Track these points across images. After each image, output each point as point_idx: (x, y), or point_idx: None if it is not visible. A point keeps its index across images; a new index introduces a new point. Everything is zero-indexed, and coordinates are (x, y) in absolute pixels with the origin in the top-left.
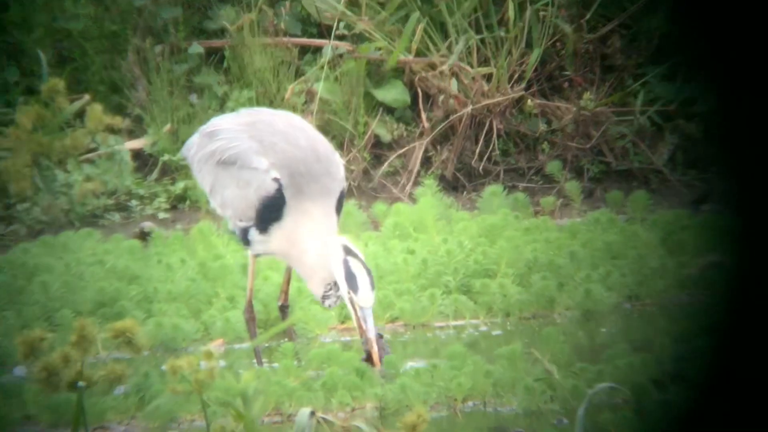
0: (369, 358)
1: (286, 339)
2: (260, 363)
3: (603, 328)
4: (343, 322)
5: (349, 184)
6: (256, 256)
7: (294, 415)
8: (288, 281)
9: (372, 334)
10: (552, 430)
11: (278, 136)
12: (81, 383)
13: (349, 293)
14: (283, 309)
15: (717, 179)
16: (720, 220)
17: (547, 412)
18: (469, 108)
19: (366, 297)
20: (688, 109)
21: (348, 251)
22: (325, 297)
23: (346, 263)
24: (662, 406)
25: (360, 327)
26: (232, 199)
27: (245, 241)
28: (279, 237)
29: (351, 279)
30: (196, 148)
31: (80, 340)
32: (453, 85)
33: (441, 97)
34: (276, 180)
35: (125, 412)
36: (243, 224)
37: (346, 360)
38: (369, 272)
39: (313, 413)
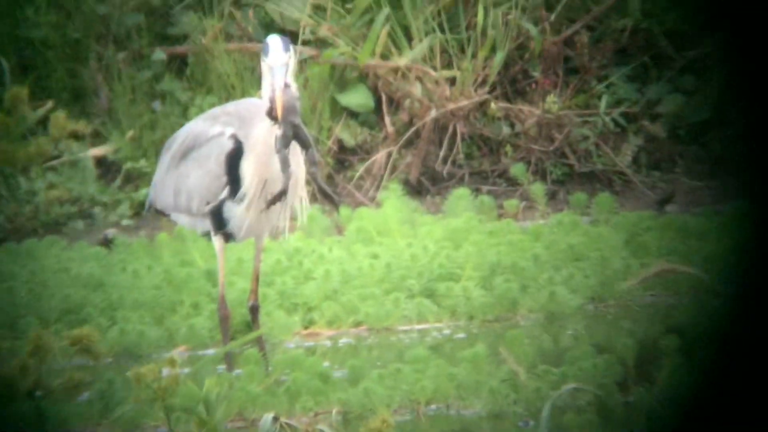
0: (271, 112)
1: (251, 345)
2: (231, 368)
3: (566, 330)
4: (306, 328)
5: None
6: (228, 241)
7: (258, 420)
8: (256, 279)
9: (279, 90)
10: (517, 431)
11: (224, 108)
12: (38, 393)
13: (262, 60)
14: (254, 309)
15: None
16: (683, 220)
17: (511, 415)
18: (434, 112)
19: (275, 57)
20: (651, 110)
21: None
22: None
23: (263, 45)
24: (625, 408)
25: (271, 87)
26: (197, 182)
27: (218, 223)
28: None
29: (264, 47)
30: (156, 175)
31: (37, 350)
32: (417, 89)
33: (406, 102)
34: (233, 136)
35: (89, 418)
36: (211, 205)
37: (310, 365)
38: (284, 39)
39: (276, 418)
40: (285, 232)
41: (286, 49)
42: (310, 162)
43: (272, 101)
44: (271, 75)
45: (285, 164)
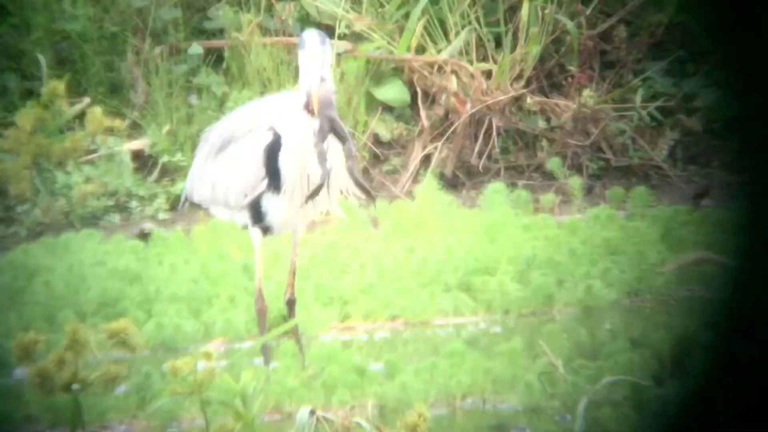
0: (308, 106)
1: (288, 338)
2: (267, 361)
3: (603, 324)
4: (342, 321)
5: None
6: (266, 233)
7: (294, 414)
8: (293, 272)
9: (315, 83)
10: (553, 426)
11: (261, 101)
12: (75, 385)
13: (299, 53)
14: (291, 303)
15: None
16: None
17: (548, 409)
18: (469, 107)
19: (312, 50)
20: (688, 104)
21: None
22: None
23: (299, 38)
24: (661, 402)
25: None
26: (235, 175)
27: (256, 216)
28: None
29: (301, 41)
30: (193, 168)
31: (73, 343)
32: (453, 83)
33: (442, 96)
34: (271, 128)
35: (126, 411)
36: (251, 197)
37: (346, 358)
38: (320, 33)
39: (313, 412)
40: (340, 212)
41: (323, 43)
42: (347, 155)
43: (309, 95)
44: (307, 69)
45: (322, 158)
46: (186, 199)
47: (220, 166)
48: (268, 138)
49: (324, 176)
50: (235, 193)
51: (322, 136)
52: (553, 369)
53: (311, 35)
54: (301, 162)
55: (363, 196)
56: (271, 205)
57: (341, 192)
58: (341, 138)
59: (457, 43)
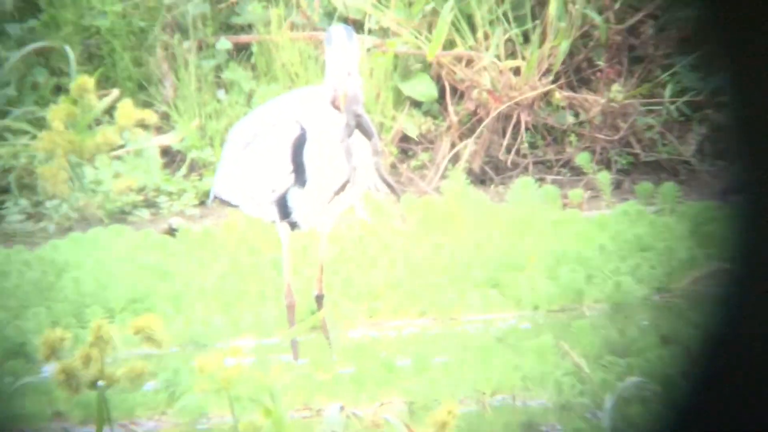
0: (335, 101)
1: (316, 334)
2: (296, 356)
3: (632, 320)
4: (371, 317)
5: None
6: (293, 228)
7: (323, 410)
8: (321, 268)
9: (342, 79)
10: (583, 423)
11: (288, 95)
12: (101, 382)
13: (326, 49)
14: (319, 299)
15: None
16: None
17: (577, 406)
18: (503, 104)
19: (338, 45)
20: (717, 99)
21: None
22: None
23: (326, 34)
24: (690, 399)
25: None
26: (262, 169)
27: (284, 211)
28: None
29: (327, 36)
30: (221, 164)
31: (98, 340)
32: (486, 79)
33: (475, 91)
34: (297, 122)
35: (155, 407)
36: (278, 192)
37: (375, 354)
38: (347, 28)
39: (342, 408)
40: (364, 215)
41: (350, 38)
42: (374, 152)
43: (335, 90)
44: (334, 64)
45: (348, 154)
46: (215, 196)
47: (247, 161)
48: (295, 132)
49: (350, 172)
50: (262, 188)
51: (348, 132)
52: (577, 369)
53: (338, 30)
54: (327, 156)
55: (389, 192)
56: (297, 199)
57: (368, 188)
58: (367, 134)
59: (495, 43)
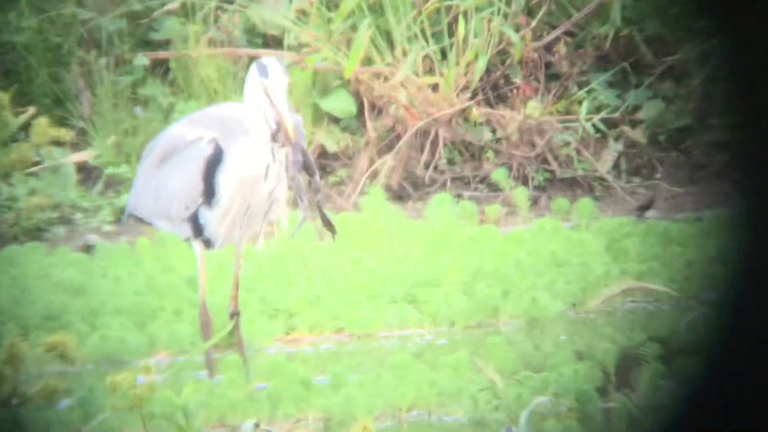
0: (276, 136)
1: (232, 351)
2: (212, 374)
3: (548, 335)
4: (288, 333)
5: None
6: (208, 246)
7: (238, 427)
8: (236, 285)
9: (285, 114)
10: None
11: (204, 112)
12: (15, 400)
13: (260, 83)
14: (234, 316)
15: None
16: (663, 226)
17: (492, 421)
18: (421, 120)
19: (276, 79)
20: (632, 116)
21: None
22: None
23: (257, 64)
24: (606, 414)
25: (274, 109)
26: (176, 186)
27: (197, 230)
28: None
29: (261, 68)
30: (136, 180)
31: (11, 358)
32: (403, 96)
33: (392, 107)
34: (212, 140)
35: (69, 425)
36: (191, 210)
37: (291, 371)
38: (279, 59)
39: (257, 425)
40: (261, 243)
41: (284, 71)
42: (315, 189)
43: (279, 125)
44: (275, 98)
45: (300, 189)
46: (129, 213)
47: (162, 177)
48: (209, 150)
49: (311, 202)
50: (177, 206)
51: (297, 167)
52: (492, 384)
53: (273, 63)
54: (243, 178)
55: (327, 230)
56: (207, 218)
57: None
58: (310, 171)
59: (411, 59)
